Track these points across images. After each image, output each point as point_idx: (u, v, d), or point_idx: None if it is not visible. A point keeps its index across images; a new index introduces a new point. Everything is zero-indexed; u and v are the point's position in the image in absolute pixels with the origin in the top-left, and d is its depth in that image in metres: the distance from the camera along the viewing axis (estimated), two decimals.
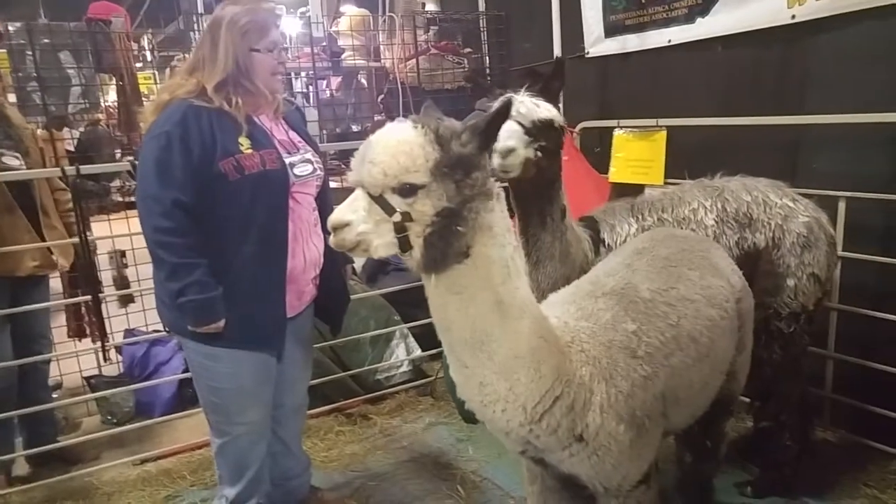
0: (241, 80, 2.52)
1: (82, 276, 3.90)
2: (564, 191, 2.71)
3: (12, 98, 4.79)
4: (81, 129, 8.54)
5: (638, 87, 4.56)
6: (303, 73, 7.12)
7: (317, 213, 2.76)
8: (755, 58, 3.82)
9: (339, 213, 1.70)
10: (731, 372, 2.42)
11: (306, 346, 3.01)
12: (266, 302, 2.60)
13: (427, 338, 4.61)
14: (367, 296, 4.61)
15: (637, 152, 4.03)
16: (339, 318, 3.10)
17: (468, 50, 6.13)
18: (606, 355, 1.91)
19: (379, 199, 1.65)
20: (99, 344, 3.90)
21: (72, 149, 5.87)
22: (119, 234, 4.23)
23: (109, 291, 4.33)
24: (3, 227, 3.50)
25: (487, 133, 1.68)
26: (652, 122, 3.93)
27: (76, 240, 3.60)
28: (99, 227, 4.64)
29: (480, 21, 6.03)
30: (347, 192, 1.75)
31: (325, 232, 2.42)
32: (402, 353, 4.65)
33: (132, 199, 2.73)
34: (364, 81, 7.52)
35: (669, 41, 4.23)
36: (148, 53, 8.77)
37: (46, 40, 4.87)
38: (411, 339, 4.71)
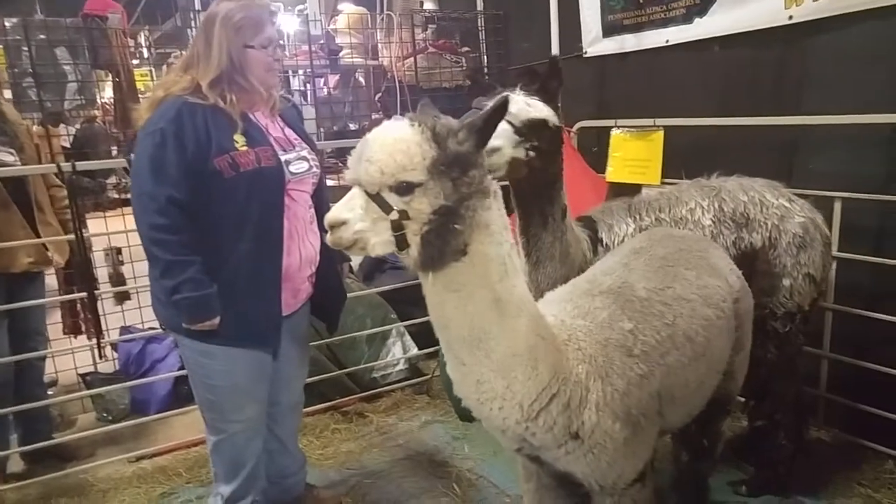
0: (236, 77, 2.51)
1: (78, 272, 3.89)
2: (565, 191, 2.71)
3: (8, 94, 4.78)
4: (77, 126, 8.54)
5: (635, 86, 4.56)
6: (300, 71, 7.11)
7: (313, 210, 2.76)
8: (752, 58, 3.82)
9: (336, 212, 1.69)
10: (729, 371, 2.42)
11: (302, 344, 3.01)
12: (261, 299, 2.60)
13: (423, 336, 4.61)
14: (363, 294, 4.61)
15: (634, 152, 4.04)
16: (335, 316, 3.10)
17: (466, 49, 6.13)
18: (603, 353, 1.92)
19: (376, 198, 1.65)
20: (94, 341, 3.89)
21: (67, 145, 5.85)
22: (115, 230, 4.22)
23: (105, 288, 4.32)
24: None
25: (484, 131, 1.68)
26: (649, 121, 3.94)
27: (71, 236, 3.59)
28: (95, 224, 4.64)
29: (479, 20, 6.03)
30: (345, 190, 1.74)
31: (322, 230, 2.42)
32: (399, 351, 4.65)
33: (128, 195, 2.73)
34: (362, 80, 7.51)
35: (667, 41, 4.23)
36: (145, 50, 8.76)
37: (42, 36, 4.86)
38: (408, 338, 4.71)
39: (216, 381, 2.64)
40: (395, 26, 6.09)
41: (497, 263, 1.73)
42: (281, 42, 2.78)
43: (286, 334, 2.75)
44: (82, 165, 3.67)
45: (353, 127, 7.10)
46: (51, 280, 4.14)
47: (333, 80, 7.89)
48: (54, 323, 4.30)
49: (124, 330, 4.62)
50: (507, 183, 2.47)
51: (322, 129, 6.12)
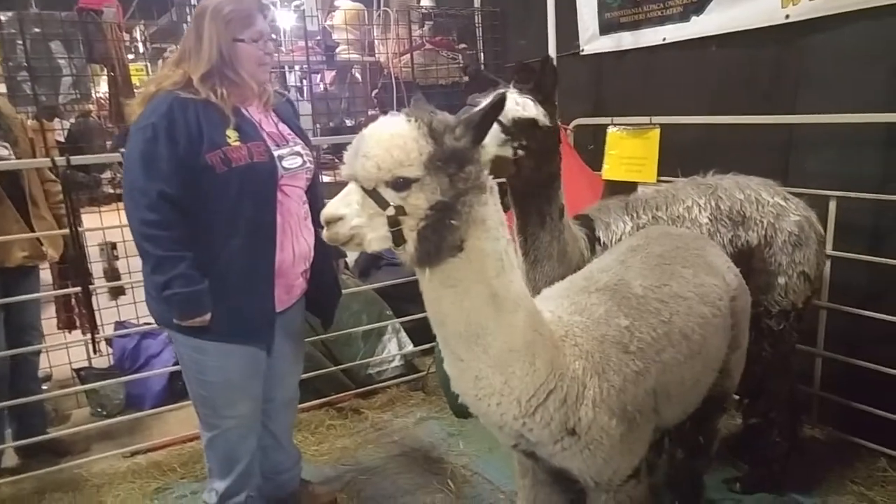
0: (226, 71, 2.49)
1: (73, 267, 3.88)
2: (563, 190, 2.70)
3: (2, 88, 4.76)
4: (72, 120, 8.49)
5: (632, 84, 4.56)
6: (297, 67, 7.09)
7: (307, 206, 2.75)
8: (749, 57, 3.83)
9: (332, 207, 1.69)
10: (725, 369, 2.43)
11: (297, 340, 2.99)
12: (254, 295, 2.59)
13: (419, 333, 4.61)
14: (359, 290, 4.61)
15: (630, 150, 4.04)
16: (330, 312, 3.09)
17: (463, 46, 6.13)
18: (599, 350, 1.92)
19: (372, 193, 1.65)
20: (89, 336, 3.88)
21: (62, 139, 5.82)
22: (110, 225, 4.21)
23: (100, 283, 4.31)
24: None
25: (481, 127, 1.68)
26: (645, 119, 3.94)
27: (66, 231, 3.58)
28: (89, 219, 4.62)
29: (475, 17, 6.02)
30: (341, 186, 1.74)
31: (318, 226, 2.41)
32: (394, 347, 4.65)
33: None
34: (358, 76, 7.50)
35: (664, 39, 4.24)
36: (140, 45, 8.72)
37: (37, 30, 4.82)
38: (403, 334, 4.71)
39: (209, 377, 2.63)
40: (392, 23, 6.09)
41: (494, 259, 1.73)
42: (273, 36, 2.76)
43: (280, 330, 2.74)
44: (77, 160, 3.65)
45: (349, 123, 7.10)
46: (45, 275, 4.13)
47: (330, 76, 7.88)
48: (49, 318, 4.29)
49: (119, 325, 4.61)
50: (502, 180, 2.47)
51: (318, 126, 6.12)
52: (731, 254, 2.76)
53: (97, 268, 4.45)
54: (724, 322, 2.32)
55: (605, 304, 2.04)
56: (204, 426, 2.78)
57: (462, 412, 3.99)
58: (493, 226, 1.73)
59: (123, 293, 4.56)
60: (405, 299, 4.61)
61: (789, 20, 3.50)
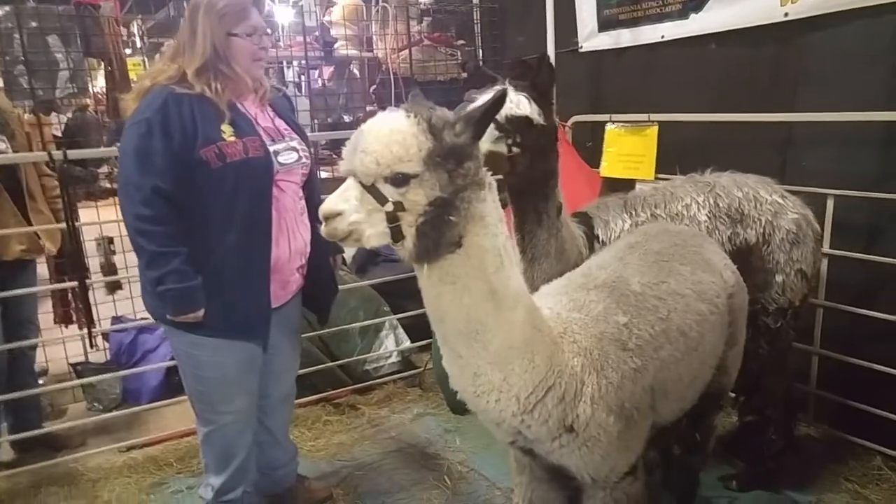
0: (220, 66, 2.49)
1: (69, 262, 3.87)
2: (560, 188, 2.69)
3: None
4: (69, 115, 8.46)
5: (630, 82, 4.56)
6: (295, 63, 7.08)
7: (303, 201, 2.74)
8: (747, 55, 3.83)
9: (330, 203, 1.69)
10: (722, 366, 2.43)
11: (294, 336, 2.99)
12: (250, 291, 2.58)
13: (416, 329, 4.61)
14: (356, 286, 4.61)
15: (629, 147, 4.04)
16: (326, 308, 3.09)
17: (461, 42, 6.12)
18: (598, 347, 1.92)
19: (371, 189, 1.64)
20: (86, 330, 3.87)
21: (59, 134, 5.81)
22: (107, 220, 4.20)
23: (97, 278, 4.30)
24: None
25: (481, 123, 1.68)
26: (644, 117, 3.94)
27: (63, 224, 3.57)
28: (86, 213, 4.61)
29: (474, 13, 6.01)
30: (339, 181, 1.74)
31: (317, 221, 2.41)
32: (391, 343, 4.65)
33: None
34: (356, 72, 7.50)
35: (663, 37, 4.24)
36: (137, 39, 8.69)
37: (34, 23, 4.82)
38: (400, 331, 4.71)
39: (205, 373, 2.63)
40: (391, 18, 6.08)
41: (492, 255, 1.73)
42: (268, 31, 2.75)
43: (277, 326, 2.73)
44: (74, 154, 3.64)
45: (347, 119, 7.10)
46: (42, 269, 4.12)
47: (328, 71, 7.88)
48: (45, 312, 4.28)
49: (116, 320, 4.60)
50: (499, 176, 2.46)
51: (316, 121, 6.11)
52: (730, 251, 2.76)
53: (94, 262, 4.44)
54: (722, 319, 2.32)
55: (603, 300, 2.04)
56: (200, 421, 2.78)
57: (459, 409, 4.00)
58: (491, 222, 1.73)
59: (120, 288, 4.55)
60: (402, 296, 4.62)
61: (788, 18, 3.50)
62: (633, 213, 2.92)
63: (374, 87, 6.55)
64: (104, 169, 7.97)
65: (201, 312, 2.48)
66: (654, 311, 2.08)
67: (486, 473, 3.49)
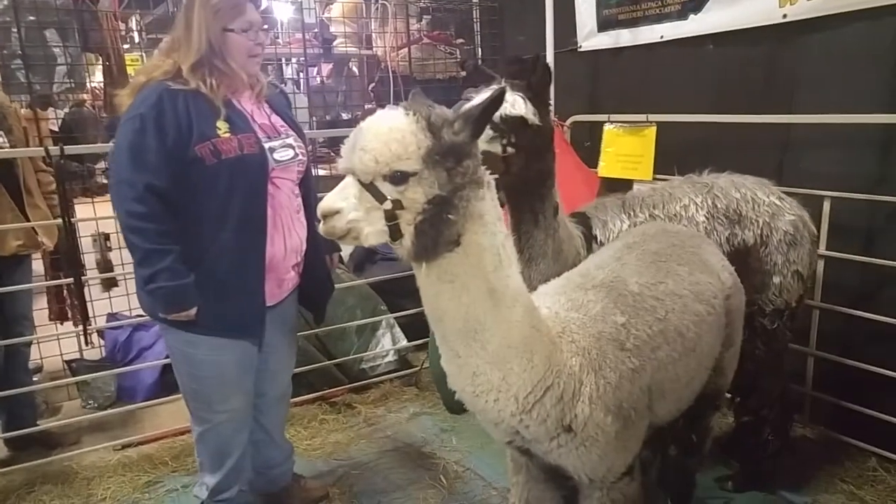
0: (216, 61, 2.47)
1: (65, 258, 3.86)
2: (557, 189, 2.68)
3: None
4: (66, 110, 8.44)
5: (629, 82, 4.56)
6: (293, 60, 7.07)
7: (299, 199, 2.73)
8: (746, 56, 3.83)
9: (329, 201, 1.68)
10: (718, 367, 2.43)
11: (290, 334, 2.98)
12: (244, 289, 2.57)
13: (413, 328, 4.62)
14: (353, 284, 4.60)
15: (627, 147, 4.04)
16: (322, 306, 3.08)
17: (461, 40, 6.12)
18: (596, 346, 1.92)
19: (370, 187, 1.64)
20: (81, 327, 3.86)
21: (56, 129, 5.80)
22: (103, 216, 4.18)
23: (93, 275, 4.28)
24: None
25: (480, 121, 1.67)
26: (642, 117, 3.94)
27: (60, 220, 3.56)
28: (82, 209, 4.60)
29: (474, 12, 6.01)
30: (337, 179, 1.73)
31: (315, 219, 2.39)
32: (388, 342, 4.65)
33: None
34: (355, 69, 7.49)
35: (662, 37, 4.24)
36: (136, 35, 8.68)
37: (32, 17, 4.80)
38: (397, 329, 4.71)
39: (200, 371, 2.62)
40: (390, 16, 6.08)
41: (491, 254, 1.72)
42: (265, 27, 2.73)
43: (272, 325, 2.72)
44: (71, 149, 3.63)
45: (345, 116, 7.09)
46: (37, 265, 4.10)
47: (327, 69, 7.87)
48: (40, 309, 4.27)
49: (111, 317, 4.59)
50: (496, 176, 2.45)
51: (314, 119, 6.10)
52: (728, 252, 2.76)
53: (90, 259, 4.42)
54: (719, 320, 2.32)
55: (601, 300, 2.03)
56: (195, 420, 2.77)
57: (455, 408, 3.99)
58: (490, 221, 1.72)
59: (116, 284, 4.54)
60: (399, 294, 4.62)
61: (787, 20, 3.50)
62: (632, 213, 2.92)
63: (373, 84, 6.55)
64: (101, 165, 7.95)
65: (193, 311, 2.46)
66: (651, 311, 2.08)
67: (483, 473, 3.49)
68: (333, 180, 1.75)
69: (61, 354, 4.53)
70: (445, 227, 1.65)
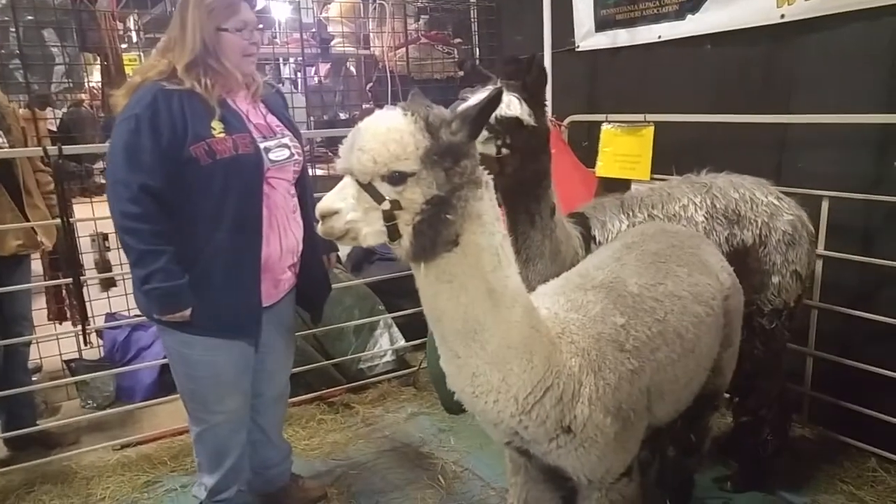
0: (210, 61, 2.47)
1: (64, 258, 3.85)
2: (554, 189, 2.68)
3: None
4: (64, 109, 8.43)
5: (627, 82, 4.56)
6: (291, 60, 7.06)
7: (296, 199, 2.73)
8: (744, 56, 3.83)
9: (327, 201, 1.68)
10: (717, 367, 2.43)
11: (287, 335, 2.97)
12: (240, 290, 2.56)
13: (411, 328, 4.61)
14: (351, 284, 4.60)
15: (624, 147, 4.04)
16: (319, 306, 3.08)
17: (458, 40, 6.12)
18: (595, 347, 1.92)
19: (368, 187, 1.64)
20: (80, 327, 3.85)
21: (54, 129, 5.79)
22: (101, 216, 4.17)
23: (91, 275, 4.28)
24: None
25: (477, 121, 1.67)
26: (640, 117, 3.94)
27: (58, 220, 3.56)
28: (81, 209, 4.59)
29: (471, 12, 6.01)
30: (335, 179, 1.73)
31: (312, 219, 2.38)
32: (386, 342, 4.65)
33: None
34: (353, 69, 7.49)
35: (659, 37, 4.24)
36: (134, 34, 8.68)
37: (30, 17, 4.79)
38: (395, 329, 4.70)
39: (197, 372, 2.62)
40: (388, 16, 6.08)
41: (489, 254, 1.72)
42: (260, 26, 2.73)
43: (269, 325, 2.72)
44: (69, 149, 3.62)
45: (343, 116, 7.08)
46: (36, 265, 4.10)
47: (324, 68, 7.86)
48: (39, 309, 4.26)
49: (110, 317, 4.59)
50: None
51: (312, 118, 6.10)
52: (727, 252, 2.76)
53: (88, 259, 4.41)
54: (717, 321, 2.32)
55: (601, 301, 2.03)
56: (192, 421, 2.77)
57: (453, 408, 3.97)
58: (488, 221, 1.72)
59: (114, 284, 4.53)
60: (397, 294, 4.61)
61: (784, 20, 3.50)
62: (631, 213, 2.91)
63: (371, 84, 6.55)
64: (99, 165, 7.95)
65: (188, 312, 2.46)
66: (651, 312, 2.08)
67: (481, 473, 3.49)
68: (332, 180, 1.75)
69: (60, 354, 4.53)
70: (444, 228, 1.65)
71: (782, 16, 3.51)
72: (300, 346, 3.89)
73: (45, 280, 4.26)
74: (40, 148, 3.59)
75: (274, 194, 2.60)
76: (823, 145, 3.51)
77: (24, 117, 4.09)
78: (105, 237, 4.45)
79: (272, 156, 2.58)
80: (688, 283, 2.24)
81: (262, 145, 2.56)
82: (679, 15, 4.10)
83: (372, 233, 1.67)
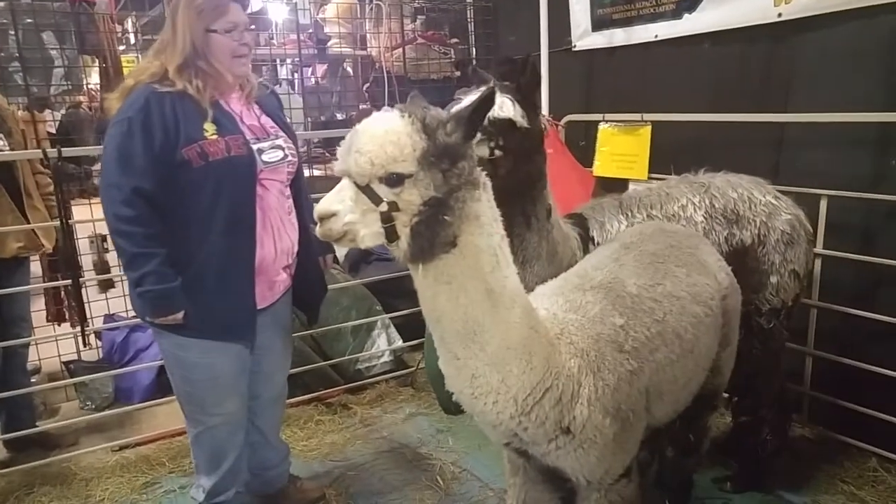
0: (199, 63, 2.46)
1: (63, 260, 3.85)
2: (550, 190, 2.66)
3: None
4: (63, 112, 8.42)
5: (624, 81, 4.57)
6: (288, 60, 7.06)
7: (290, 200, 2.72)
8: (741, 55, 3.83)
9: (325, 204, 1.68)
10: (716, 367, 2.43)
11: (284, 336, 2.97)
12: (234, 292, 2.56)
13: (408, 328, 4.61)
14: (348, 285, 4.60)
15: (622, 147, 4.05)
16: (315, 307, 3.07)
17: (455, 40, 6.12)
18: (594, 348, 1.92)
19: (366, 189, 1.64)
20: (78, 329, 3.85)
21: (53, 131, 5.79)
22: (100, 218, 4.16)
23: (90, 276, 4.27)
24: None
25: (472, 121, 1.67)
26: (637, 116, 3.94)
27: (58, 222, 3.56)
28: (79, 211, 4.59)
29: (468, 12, 6.01)
30: (333, 181, 1.73)
31: (307, 221, 2.37)
32: (384, 343, 4.65)
33: None
34: (350, 70, 7.48)
35: (656, 36, 4.24)
36: (132, 36, 8.67)
37: (29, 20, 4.79)
38: (392, 330, 4.70)
39: (193, 374, 2.62)
40: (384, 16, 6.07)
41: (488, 255, 1.73)
42: (251, 27, 2.72)
43: (265, 327, 2.72)
44: (68, 152, 3.62)
45: (340, 117, 7.08)
46: (35, 267, 4.10)
47: (321, 69, 7.86)
48: (38, 310, 4.26)
49: (108, 318, 4.58)
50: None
51: (309, 119, 6.10)
52: (726, 252, 2.76)
53: (87, 260, 4.41)
54: (716, 321, 2.32)
55: (599, 302, 2.03)
56: (190, 423, 2.77)
57: (451, 409, 3.99)
58: (486, 222, 1.73)
59: (113, 286, 4.53)
60: (395, 295, 4.61)
61: (781, 18, 3.50)
62: (629, 214, 2.90)
63: (368, 85, 6.54)
64: (98, 166, 7.95)
65: (181, 315, 2.46)
66: (650, 313, 2.08)
67: (479, 474, 3.49)
68: (329, 181, 1.75)
69: (59, 356, 4.53)
70: (441, 229, 1.65)
71: (779, 15, 3.51)
72: (297, 347, 3.89)
73: (44, 281, 4.26)
74: (40, 150, 3.59)
75: (267, 196, 2.59)
76: (821, 144, 3.51)
77: (24, 119, 4.10)
78: (104, 238, 4.44)
79: (265, 157, 2.58)
80: (686, 284, 2.24)
81: (255, 147, 2.55)
82: (676, 14, 4.10)
83: (370, 234, 1.67)
